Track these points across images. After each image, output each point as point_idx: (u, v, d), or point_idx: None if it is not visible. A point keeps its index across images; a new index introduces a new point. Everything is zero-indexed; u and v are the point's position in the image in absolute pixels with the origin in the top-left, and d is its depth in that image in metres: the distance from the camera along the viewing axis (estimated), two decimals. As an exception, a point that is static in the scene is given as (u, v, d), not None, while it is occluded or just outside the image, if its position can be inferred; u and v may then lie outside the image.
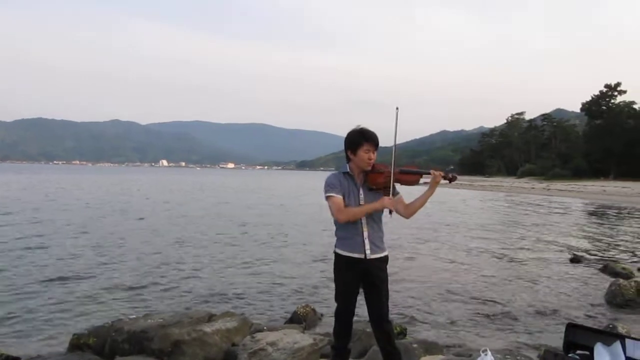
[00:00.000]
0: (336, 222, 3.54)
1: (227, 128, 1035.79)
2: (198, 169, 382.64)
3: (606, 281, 9.30)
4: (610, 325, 5.98)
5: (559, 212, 28.27)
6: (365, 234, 3.47)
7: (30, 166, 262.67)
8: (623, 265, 10.67)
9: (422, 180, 3.51)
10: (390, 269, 3.64)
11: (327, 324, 6.27)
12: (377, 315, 3.56)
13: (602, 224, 22.08)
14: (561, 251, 13.50)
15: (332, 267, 3.63)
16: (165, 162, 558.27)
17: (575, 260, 11.81)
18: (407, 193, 3.58)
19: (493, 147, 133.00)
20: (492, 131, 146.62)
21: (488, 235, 16.97)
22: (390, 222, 3.56)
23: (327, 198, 3.48)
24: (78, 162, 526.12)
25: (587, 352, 3.64)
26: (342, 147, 3.58)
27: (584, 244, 15.16)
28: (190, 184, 66.07)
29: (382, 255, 3.53)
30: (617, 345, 3.56)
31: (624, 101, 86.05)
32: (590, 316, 7.34)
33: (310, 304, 7.13)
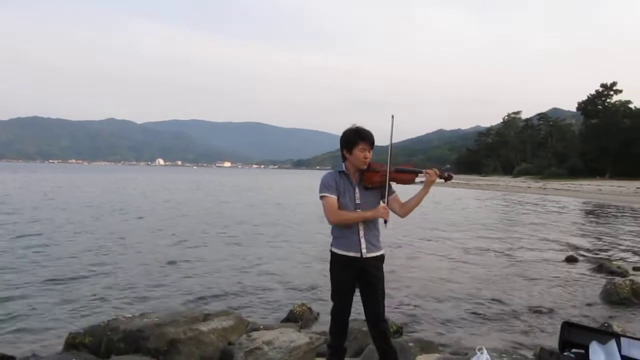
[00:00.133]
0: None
1: (224, 127, 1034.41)
2: (194, 167, 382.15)
3: (601, 280, 9.35)
4: (606, 324, 5.99)
5: (555, 211, 28.34)
6: (361, 232, 3.47)
7: (26, 165, 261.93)
8: (618, 264, 10.71)
9: (417, 179, 3.51)
10: (386, 267, 3.64)
11: (323, 323, 6.28)
12: (373, 314, 3.56)
13: (598, 223, 22.15)
14: (557, 250, 13.53)
15: (328, 266, 3.63)
16: (161, 161, 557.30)
17: (571, 259, 11.84)
18: (403, 192, 3.58)
19: (489, 146, 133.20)
20: (488, 130, 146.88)
21: (485, 234, 17.00)
22: (390, 215, 3.55)
23: (321, 197, 3.48)
24: (74, 160, 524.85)
25: (583, 351, 3.65)
26: (338, 146, 3.58)
27: (580, 243, 15.19)
28: (188, 183, 65.98)
29: (378, 254, 3.53)
30: (613, 343, 3.56)
31: (619, 100, 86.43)
32: (585, 315, 7.36)
33: (306, 303, 7.13)
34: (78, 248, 12.24)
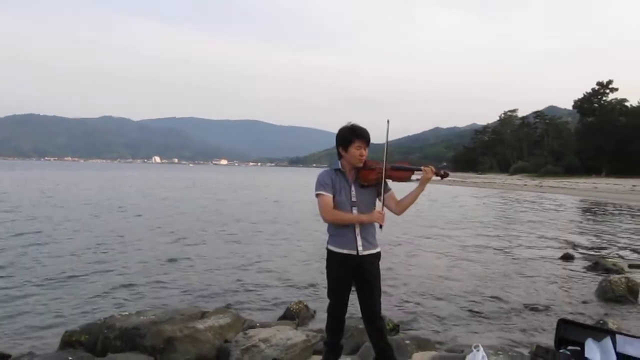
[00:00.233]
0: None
1: (220, 125, 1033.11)
2: (191, 165, 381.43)
3: (597, 277, 9.37)
4: (601, 321, 6.02)
5: (551, 209, 28.40)
6: (357, 230, 3.47)
7: (22, 162, 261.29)
8: (614, 262, 10.74)
9: (414, 177, 3.51)
10: (383, 265, 3.65)
11: (320, 321, 6.28)
12: (370, 311, 3.57)
13: (593, 221, 22.21)
14: (553, 248, 13.56)
15: (325, 263, 3.63)
16: (157, 159, 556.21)
17: (567, 257, 11.87)
18: (398, 190, 3.59)
19: (486, 144, 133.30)
20: (485, 128, 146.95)
21: (482, 232, 17.02)
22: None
23: (317, 196, 3.48)
24: (70, 158, 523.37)
25: (578, 348, 3.66)
26: (335, 143, 3.57)
27: (576, 241, 15.23)
28: (185, 180, 65.86)
29: (374, 251, 3.54)
30: (608, 340, 3.58)
31: (615, 99, 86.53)
32: (581, 312, 7.38)
33: (303, 301, 7.13)
34: (75, 246, 12.22)
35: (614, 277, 8.48)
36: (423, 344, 4.90)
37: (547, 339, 5.52)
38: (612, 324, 5.73)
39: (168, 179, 68.51)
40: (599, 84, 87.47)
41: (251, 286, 8.72)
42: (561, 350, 3.69)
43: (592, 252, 13.00)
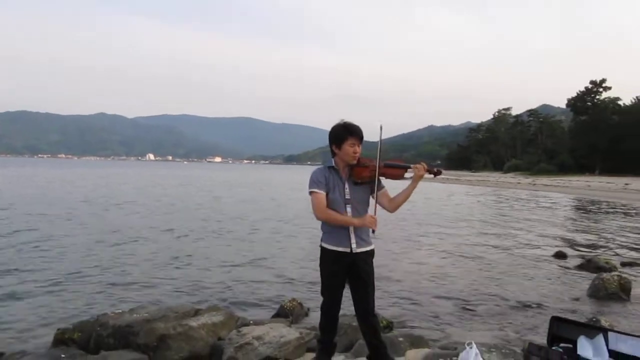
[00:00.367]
0: None
1: (215, 122, 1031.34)
2: (185, 163, 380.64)
3: (590, 275, 9.41)
4: (594, 319, 6.04)
5: (545, 207, 28.51)
6: (351, 227, 3.47)
7: (15, 160, 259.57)
8: (606, 260, 10.79)
9: (407, 175, 3.51)
10: (377, 262, 3.65)
11: (314, 318, 6.28)
12: (363, 309, 3.57)
13: (586, 218, 22.31)
14: (546, 246, 13.61)
15: (319, 261, 3.63)
16: (152, 156, 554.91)
17: (560, 254, 11.92)
18: (391, 188, 3.59)
19: (480, 142, 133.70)
20: (479, 126, 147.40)
21: (476, 230, 17.06)
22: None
23: (310, 193, 3.48)
24: (63, 155, 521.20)
25: (571, 345, 3.68)
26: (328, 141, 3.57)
27: (569, 239, 15.30)
28: (180, 178, 65.65)
29: (368, 248, 3.54)
30: (600, 338, 3.59)
31: (608, 97, 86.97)
32: (574, 310, 7.41)
33: (296, 298, 7.13)
34: (69, 244, 12.15)
35: (607, 275, 8.51)
36: (416, 342, 4.92)
37: (540, 337, 5.55)
38: (604, 322, 5.76)
39: (163, 177, 68.29)
40: (592, 82, 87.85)
41: (245, 284, 8.70)
42: (554, 348, 3.70)
43: (585, 250, 13.05)
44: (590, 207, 28.97)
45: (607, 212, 25.76)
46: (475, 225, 18.70)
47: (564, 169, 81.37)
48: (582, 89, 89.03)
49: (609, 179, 58.99)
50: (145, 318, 5.08)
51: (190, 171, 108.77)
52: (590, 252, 12.73)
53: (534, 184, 58.19)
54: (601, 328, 3.88)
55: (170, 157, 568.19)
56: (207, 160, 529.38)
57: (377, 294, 3.67)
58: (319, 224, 3.60)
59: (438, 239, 14.74)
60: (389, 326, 6.01)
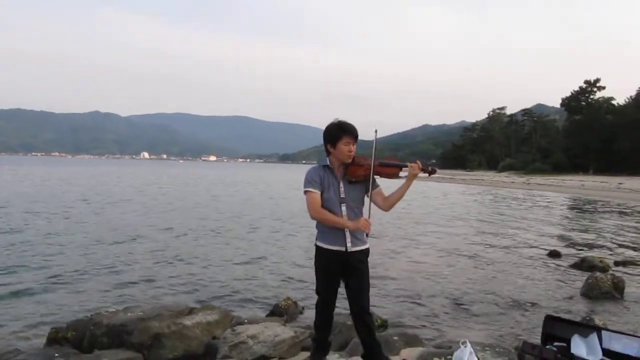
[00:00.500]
0: None
1: (209, 120, 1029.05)
2: (180, 161, 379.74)
3: (584, 274, 9.45)
4: (587, 317, 6.07)
5: (539, 207, 28.60)
6: (346, 227, 3.47)
7: (9, 158, 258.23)
8: (600, 259, 10.83)
9: (402, 173, 3.51)
10: (373, 261, 3.65)
11: (308, 317, 6.28)
12: (358, 307, 3.56)
13: (580, 218, 22.40)
14: (540, 245, 13.66)
15: (313, 259, 3.63)
16: (146, 155, 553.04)
17: (554, 254, 11.96)
18: (386, 187, 3.59)
19: (474, 141, 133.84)
20: (473, 126, 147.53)
21: (470, 229, 17.11)
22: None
23: (305, 193, 3.47)
24: (57, 153, 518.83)
25: (565, 344, 3.69)
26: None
27: (562, 238, 15.36)
28: (175, 177, 65.49)
29: (363, 247, 3.54)
30: (594, 336, 3.61)
31: (603, 97, 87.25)
32: (567, 309, 7.44)
33: (291, 297, 7.13)
34: (68, 242, 12.11)
35: (600, 274, 8.55)
36: (411, 340, 4.92)
37: (534, 335, 5.57)
38: (598, 320, 5.79)
39: (158, 175, 68.12)
40: (586, 82, 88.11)
41: (239, 282, 8.70)
42: (548, 346, 3.72)
43: (579, 249, 13.10)
44: (585, 207, 29.08)
45: (602, 212, 25.86)
46: (472, 224, 18.76)
47: (558, 168, 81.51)
48: (577, 88, 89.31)
49: (602, 178, 59.17)
50: (140, 317, 5.07)
51: (186, 170, 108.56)
52: (584, 251, 12.77)
53: (528, 183, 58.35)
54: (595, 327, 3.90)
55: (164, 156, 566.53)
56: (202, 158, 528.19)
57: (372, 292, 3.67)
58: (314, 222, 3.59)
59: (434, 237, 14.77)
60: (384, 325, 6.02)
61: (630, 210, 26.46)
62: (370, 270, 3.63)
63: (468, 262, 11.05)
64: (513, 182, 63.51)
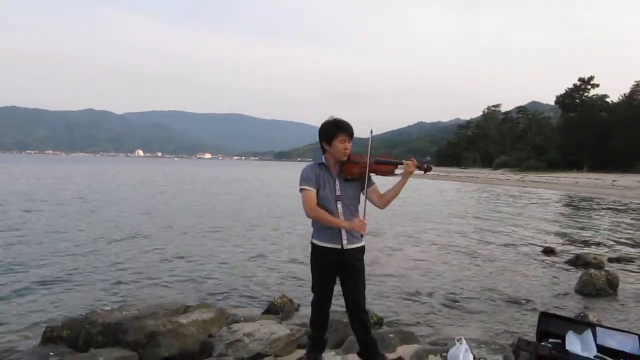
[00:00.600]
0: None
1: (204, 118, 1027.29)
2: (175, 159, 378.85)
3: (578, 271, 9.49)
4: (582, 314, 6.10)
5: (534, 203, 28.68)
6: (342, 225, 3.47)
7: (2, 156, 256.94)
8: (594, 256, 10.88)
9: (397, 171, 3.51)
10: (368, 258, 3.65)
11: (304, 315, 6.28)
12: (354, 305, 3.57)
13: (574, 215, 22.47)
14: (535, 242, 13.69)
15: (309, 257, 3.63)
16: (141, 152, 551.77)
17: (548, 250, 12.00)
18: (381, 185, 3.59)
19: (469, 138, 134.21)
20: (468, 123, 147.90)
21: (466, 226, 17.12)
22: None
23: (301, 190, 3.47)
24: (52, 151, 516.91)
25: (559, 340, 3.71)
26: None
27: (557, 235, 15.42)
28: (171, 174, 65.35)
29: (359, 245, 3.54)
30: (588, 333, 3.63)
31: (597, 95, 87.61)
32: (562, 305, 7.47)
33: (287, 295, 7.13)
34: (64, 240, 12.06)
35: (594, 271, 8.59)
36: (407, 338, 4.93)
37: (529, 332, 5.59)
38: (592, 317, 5.82)
39: (153, 173, 67.93)
40: (580, 80, 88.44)
41: (235, 280, 8.69)
42: (542, 343, 3.73)
43: (573, 246, 13.15)
44: (578, 204, 29.19)
45: (597, 209, 25.96)
46: (468, 221, 18.78)
47: (552, 166, 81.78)
48: (571, 86, 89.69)
49: (596, 175, 59.43)
50: (135, 315, 5.06)
51: (181, 168, 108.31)
52: (579, 248, 12.83)
53: (523, 181, 58.55)
54: (589, 323, 3.91)
55: (159, 154, 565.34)
56: (197, 156, 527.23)
57: (368, 289, 3.68)
58: (310, 220, 3.59)
59: (430, 235, 14.78)
60: (380, 322, 6.03)
61: (624, 207, 26.57)
62: (366, 268, 3.64)
63: (464, 259, 11.08)
64: (508, 179, 63.70)
